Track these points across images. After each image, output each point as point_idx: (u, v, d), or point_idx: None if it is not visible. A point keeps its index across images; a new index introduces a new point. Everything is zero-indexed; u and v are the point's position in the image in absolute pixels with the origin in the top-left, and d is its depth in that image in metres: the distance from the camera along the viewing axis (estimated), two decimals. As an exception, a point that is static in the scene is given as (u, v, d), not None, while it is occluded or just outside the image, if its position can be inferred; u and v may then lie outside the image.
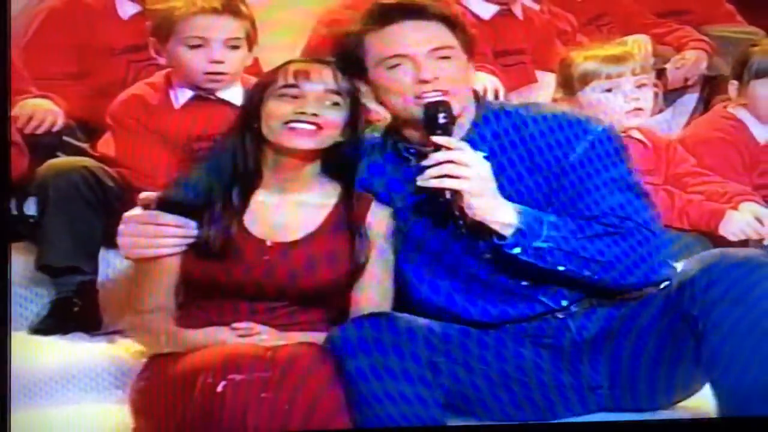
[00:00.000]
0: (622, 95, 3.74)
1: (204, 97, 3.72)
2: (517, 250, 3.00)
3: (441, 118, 3.02)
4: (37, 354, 3.44)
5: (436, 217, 3.10)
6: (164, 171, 3.62)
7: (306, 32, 4.14)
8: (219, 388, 2.90)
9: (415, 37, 3.07)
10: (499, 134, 3.15)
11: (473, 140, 3.10)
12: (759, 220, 3.69)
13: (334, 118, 3.11)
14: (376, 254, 3.15)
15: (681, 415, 3.15)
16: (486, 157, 3.06)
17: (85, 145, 3.85)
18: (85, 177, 3.60)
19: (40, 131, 3.80)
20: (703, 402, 3.12)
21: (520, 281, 3.10)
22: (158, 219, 3.10)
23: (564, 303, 3.12)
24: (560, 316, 3.12)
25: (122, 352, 3.41)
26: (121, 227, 3.13)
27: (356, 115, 3.16)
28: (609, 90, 3.73)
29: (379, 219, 3.17)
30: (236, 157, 3.14)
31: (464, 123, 3.12)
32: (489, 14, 4.30)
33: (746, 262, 3.01)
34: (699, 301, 2.98)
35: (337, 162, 3.16)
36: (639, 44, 3.94)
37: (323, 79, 3.11)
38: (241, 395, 2.91)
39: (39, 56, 4.01)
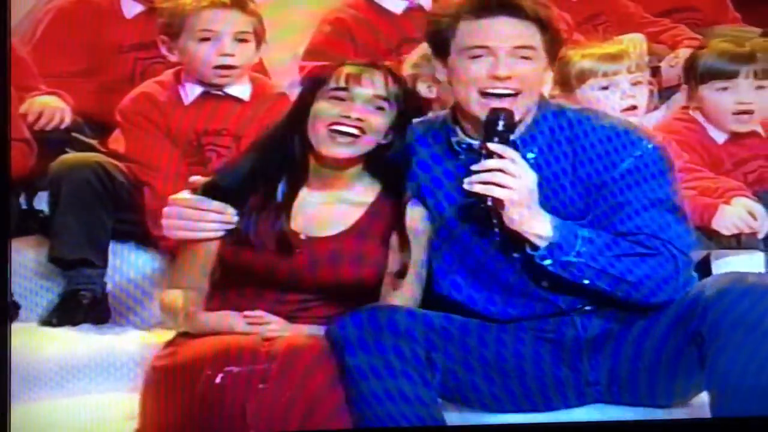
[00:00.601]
0: (619, 92, 3.75)
1: (213, 93, 3.74)
2: (547, 262, 3.02)
3: (500, 126, 3.03)
4: (47, 345, 3.47)
5: (472, 219, 3.11)
6: (174, 166, 3.67)
7: (309, 31, 4.16)
8: (218, 380, 2.93)
9: (503, 33, 3.06)
10: (552, 135, 3.17)
11: (526, 139, 3.12)
12: (751, 215, 3.65)
13: (378, 123, 3.13)
14: (416, 261, 3.17)
15: (681, 412, 3.18)
16: (535, 157, 3.10)
17: (93, 141, 3.86)
18: (96, 172, 3.62)
19: (49, 128, 3.83)
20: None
21: (540, 283, 3.12)
22: (201, 204, 3.13)
23: (577, 306, 3.13)
24: (572, 315, 3.14)
25: (131, 343, 3.46)
26: (166, 209, 3.18)
27: (402, 120, 3.17)
28: (605, 87, 3.74)
29: (416, 220, 3.18)
30: (285, 154, 3.16)
31: (526, 119, 3.13)
32: None
33: (759, 288, 3.03)
34: (710, 322, 3.00)
35: (380, 163, 3.17)
36: (634, 43, 3.96)
37: (373, 84, 3.12)
38: (239, 387, 2.94)
39: (48, 54, 4.04)
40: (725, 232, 3.65)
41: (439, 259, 3.18)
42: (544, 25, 3.09)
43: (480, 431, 3.13)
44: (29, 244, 3.74)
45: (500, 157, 3.02)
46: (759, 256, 3.72)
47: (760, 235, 3.69)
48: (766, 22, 4.37)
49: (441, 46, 3.11)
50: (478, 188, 3.01)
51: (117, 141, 3.82)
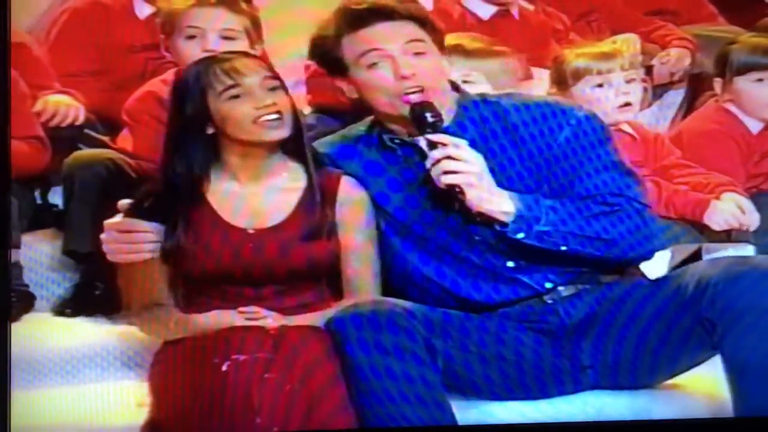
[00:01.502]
0: (613, 90, 3.76)
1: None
2: (520, 235, 3.05)
3: (429, 117, 3.06)
4: (61, 335, 3.49)
5: (445, 209, 3.12)
6: None
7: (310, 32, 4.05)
8: (224, 368, 2.95)
9: (388, 35, 3.10)
10: (480, 123, 3.18)
11: (453, 130, 3.12)
12: (741, 209, 3.69)
13: (283, 100, 3.14)
14: (359, 226, 3.18)
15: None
16: (473, 141, 3.10)
17: (105, 138, 3.86)
18: (108, 168, 3.62)
19: (63, 125, 3.85)
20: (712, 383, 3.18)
21: (505, 263, 3.13)
22: (132, 226, 3.14)
23: (548, 285, 3.15)
24: (549, 300, 3.15)
25: (142, 334, 3.37)
26: (103, 235, 3.18)
27: (287, 90, 3.18)
28: (600, 85, 3.76)
29: (350, 190, 3.19)
30: (189, 164, 3.15)
31: (451, 110, 3.16)
32: (488, 14, 4.32)
33: (764, 271, 3.04)
34: (720, 309, 3.01)
35: (295, 144, 3.18)
36: (628, 42, 3.98)
37: (254, 69, 3.14)
38: (243, 374, 2.95)
39: (63, 54, 4.06)
40: (716, 227, 3.68)
41: (398, 244, 3.20)
42: (421, 20, 3.13)
43: (480, 431, 3.14)
44: (44, 237, 3.78)
45: (444, 145, 3.04)
46: (749, 249, 3.73)
47: (750, 229, 3.72)
48: (749, 21, 4.40)
49: (335, 65, 3.16)
50: (438, 182, 3.04)
51: (125, 140, 3.82)
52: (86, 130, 3.89)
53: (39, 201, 3.86)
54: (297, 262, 3.14)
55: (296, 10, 4.15)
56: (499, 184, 3.08)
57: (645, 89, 3.89)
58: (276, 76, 3.15)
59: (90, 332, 3.53)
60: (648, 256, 3.16)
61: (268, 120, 3.11)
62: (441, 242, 3.14)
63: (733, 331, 3.00)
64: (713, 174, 3.77)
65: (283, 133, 3.13)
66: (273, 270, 3.13)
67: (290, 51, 3.91)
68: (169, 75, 3.75)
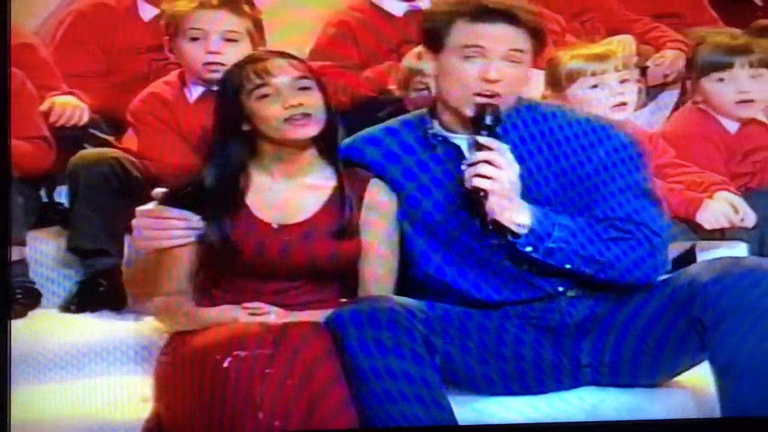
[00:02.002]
0: (607, 91, 3.74)
1: (215, 91, 3.61)
2: (529, 249, 3.07)
3: (489, 120, 3.08)
4: (67, 330, 3.51)
5: (468, 209, 3.13)
6: (182, 161, 3.67)
7: (315, 32, 4.19)
8: (225, 364, 2.97)
9: (498, 37, 3.09)
10: (522, 128, 3.19)
11: (504, 130, 3.13)
12: (733, 208, 3.68)
13: (313, 100, 3.16)
14: (382, 233, 3.20)
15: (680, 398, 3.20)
16: (509, 149, 3.10)
17: (110, 138, 3.88)
18: (113, 167, 3.64)
19: (68, 125, 3.85)
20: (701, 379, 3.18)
21: (521, 267, 3.14)
22: (165, 213, 3.17)
23: (560, 289, 3.16)
24: (556, 301, 3.17)
25: (146, 328, 3.44)
26: (134, 221, 3.22)
27: (324, 90, 3.20)
28: (595, 86, 3.74)
29: (383, 198, 3.21)
30: (224, 162, 3.18)
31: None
32: None
33: (756, 271, 3.06)
34: (710, 309, 3.03)
35: (327, 143, 3.21)
36: (623, 43, 3.97)
37: (283, 69, 3.15)
38: (245, 370, 2.97)
39: (69, 55, 4.07)
40: (707, 226, 3.68)
41: (422, 245, 3.20)
42: (535, 33, 3.12)
43: (480, 431, 3.13)
44: (50, 234, 3.79)
45: (489, 149, 3.05)
46: (742, 247, 3.75)
47: (749, 227, 3.71)
48: (744, 23, 4.34)
49: (435, 42, 3.15)
50: (467, 182, 3.05)
51: (129, 140, 3.85)
52: (91, 130, 3.90)
53: (45, 199, 3.87)
54: (318, 259, 3.16)
55: (298, 11, 4.21)
56: (524, 190, 3.10)
57: (639, 90, 3.87)
58: (308, 76, 3.16)
59: (94, 328, 3.54)
60: (647, 283, 3.15)
61: (295, 119, 3.13)
62: (463, 245, 3.17)
63: (721, 332, 3.03)
64: (707, 173, 3.77)
65: (309, 131, 3.14)
66: (293, 265, 3.16)
67: (292, 50, 3.81)
68: (173, 76, 3.81)
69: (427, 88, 3.64)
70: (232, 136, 3.18)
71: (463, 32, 3.12)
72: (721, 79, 3.89)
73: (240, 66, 3.19)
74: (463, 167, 3.08)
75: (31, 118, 3.78)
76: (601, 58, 3.78)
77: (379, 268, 3.20)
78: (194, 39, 3.72)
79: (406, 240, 3.21)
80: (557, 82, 3.75)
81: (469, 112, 3.11)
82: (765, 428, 3.06)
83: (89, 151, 3.74)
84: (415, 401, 2.98)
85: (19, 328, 3.45)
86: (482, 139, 3.07)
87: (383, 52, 4.11)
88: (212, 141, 3.23)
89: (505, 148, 3.07)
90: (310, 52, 4.10)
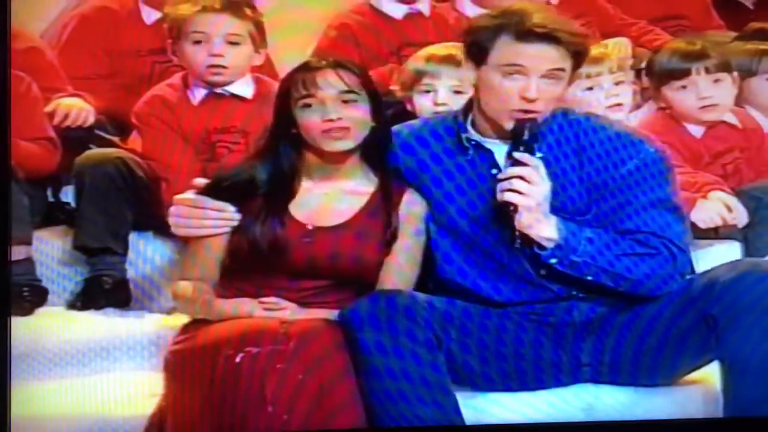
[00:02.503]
0: (603, 92, 3.75)
1: (217, 93, 3.77)
2: (553, 261, 3.11)
3: (526, 135, 3.11)
4: (73, 327, 3.54)
5: (498, 220, 3.16)
6: (187, 162, 3.71)
7: (317, 33, 4.19)
8: (237, 359, 2.99)
9: (540, 57, 3.10)
10: (561, 132, 3.21)
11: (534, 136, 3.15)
12: (727, 207, 3.69)
13: (358, 113, 3.19)
14: (404, 244, 3.22)
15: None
16: (542, 155, 3.14)
17: (115, 138, 3.90)
18: (118, 167, 3.66)
19: (73, 126, 3.87)
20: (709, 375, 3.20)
21: (540, 273, 3.17)
22: (202, 203, 3.20)
23: (573, 292, 3.19)
24: (566, 302, 3.19)
25: (150, 325, 3.51)
26: (172, 208, 3.24)
27: (377, 101, 3.23)
28: (590, 88, 3.75)
29: (413, 205, 3.24)
30: (276, 161, 3.22)
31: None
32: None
33: (764, 276, 3.08)
34: (724, 306, 3.06)
35: (373, 151, 3.24)
36: (618, 46, 3.97)
37: (330, 83, 3.18)
38: (257, 366, 2.98)
39: (73, 58, 4.08)
40: (702, 225, 3.68)
41: (446, 247, 3.23)
42: (576, 54, 3.14)
43: (480, 431, 3.15)
44: (56, 234, 3.79)
45: (524, 165, 3.08)
46: (735, 245, 3.77)
47: (739, 226, 3.73)
48: (737, 26, 4.40)
49: (478, 55, 3.15)
50: (500, 194, 3.09)
51: (135, 141, 3.87)
52: (96, 131, 3.92)
53: (51, 199, 3.88)
54: (349, 263, 3.19)
55: (300, 13, 4.22)
56: (554, 198, 3.13)
57: (634, 92, 3.89)
58: (354, 90, 3.18)
59: (99, 325, 3.56)
60: (663, 294, 3.17)
61: (333, 132, 3.17)
62: (485, 249, 3.20)
63: (733, 328, 3.06)
64: (700, 173, 3.79)
65: (346, 144, 3.18)
66: (320, 267, 3.18)
67: (293, 52, 3.94)
68: (176, 79, 3.83)
69: (432, 91, 3.69)
70: (284, 138, 3.21)
71: (506, 50, 3.12)
72: (684, 87, 3.88)
73: (294, 72, 3.23)
74: (499, 177, 3.11)
75: (37, 119, 3.80)
76: (596, 60, 3.75)
77: (398, 279, 3.22)
78: (197, 42, 3.73)
79: (431, 241, 3.24)
80: (554, 84, 3.75)
81: (508, 125, 3.13)
82: (766, 428, 3.10)
83: (95, 152, 3.76)
84: (423, 399, 3.01)
85: (26, 325, 3.50)
86: (518, 155, 3.10)
87: (384, 54, 4.13)
88: (266, 140, 3.26)
89: (539, 164, 3.11)
90: (312, 53, 4.08)
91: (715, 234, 3.74)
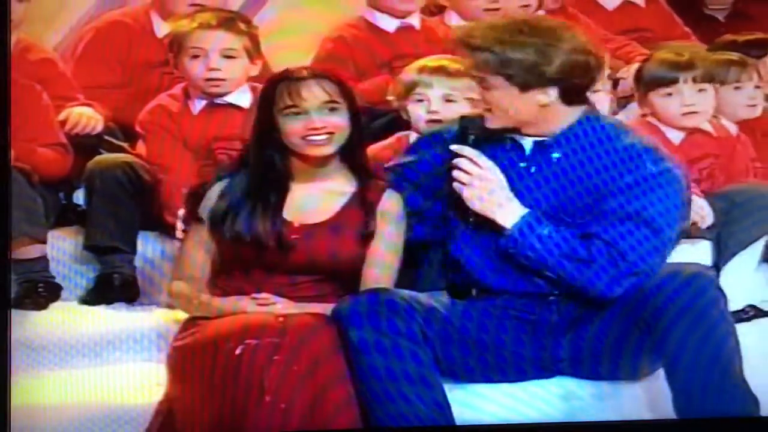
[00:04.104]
0: None
1: (216, 103, 3.80)
2: (511, 251, 3.19)
3: (470, 131, 3.24)
4: (85, 321, 3.59)
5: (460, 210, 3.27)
6: (187, 168, 3.76)
7: (315, 46, 4.21)
8: (237, 351, 3.04)
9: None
10: (583, 137, 3.23)
11: (552, 142, 3.22)
12: (695, 209, 3.66)
13: (338, 120, 3.23)
14: (385, 237, 3.27)
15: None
16: (559, 158, 3.21)
17: (124, 144, 3.94)
18: (126, 171, 3.70)
19: (82, 134, 3.91)
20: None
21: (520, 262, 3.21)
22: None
23: (556, 291, 3.22)
24: (551, 297, 3.23)
25: (158, 319, 3.54)
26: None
27: (355, 108, 3.27)
28: None
29: (391, 203, 3.29)
30: (266, 166, 3.26)
31: (562, 125, 3.23)
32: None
33: (693, 278, 3.12)
34: (650, 310, 3.09)
35: (352, 154, 3.28)
36: None
37: (316, 94, 3.23)
38: (257, 358, 3.04)
39: (87, 68, 4.12)
40: None
41: (459, 228, 3.29)
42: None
43: (479, 431, 3.19)
44: (69, 233, 3.83)
45: (461, 156, 3.20)
46: (705, 244, 3.82)
47: (703, 227, 3.79)
48: (711, 39, 4.40)
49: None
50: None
51: (142, 147, 3.89)
52: (107, 137, 3.95)
53: (63, 201, 3.91)
54: (334, 258, 3.24)
55: (298, 26, 4.29)
56: (554, 207, 3.20)
57: (611, 100, 3.96)
58: (337, 100, 3.23)
59: (110, 318, 3.60)
60: (604, 298, 3.19)
61: (315, 139, 3.23)
62: (490, 235, 3.24)
63: (664, 330, 3.10)
64: None
65: (327, 150, 3.24)
66: (308, 262, 3.23)
67: (294, 62, 3.84)
68: (177, 90, 3.87)
69: (425, 100, 3.73)
70: (269, 143, 3.25)
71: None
72: (669, 94, 3.92)
73: (276, 82, 3.27)
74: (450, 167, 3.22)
75: (50, 126, 3.84)
76: None
77: (381, 271, 3.26)
78: (195, 56, 3.77)
79: (451, 221, 3.30)
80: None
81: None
82: (762, 429, 3.16)
83: (104, 157, 3.81)
84: (409, 394, 3.08)
85: (40, 318, 3.57)
86: (455, 147, 3.23)
87: (376, 65, 4.16)
88: (253, 146, 3.29)
89: (474, 153, 3.20)
90: (311, 63, 4.05)
91: (686, 234, 3.60)
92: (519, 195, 3.23)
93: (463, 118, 3.31)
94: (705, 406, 3.11)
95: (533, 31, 3.17)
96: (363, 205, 3.29)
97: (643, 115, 4.02)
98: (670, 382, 3.15)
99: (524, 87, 3.18)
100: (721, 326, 3.13)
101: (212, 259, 3.29)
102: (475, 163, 3.20)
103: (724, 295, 3.17)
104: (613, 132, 3.26)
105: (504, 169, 3.24)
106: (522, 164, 3.26)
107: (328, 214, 3.29)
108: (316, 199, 3.30)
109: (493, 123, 3.23)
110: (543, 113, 3.22)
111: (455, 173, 3.21)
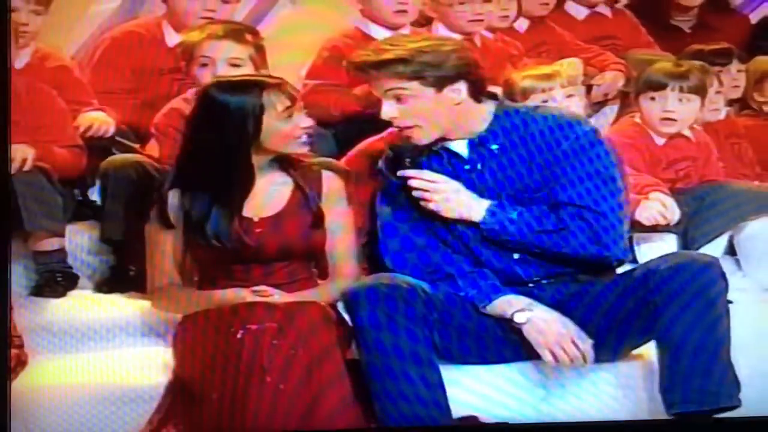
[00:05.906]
0: (555, 104, 3.82)
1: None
2: (490, 237, 3.29)
3: (405, 156, 3.33)
4: (101, 308, 3.64)
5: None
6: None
7: (312, 55, 4.27)
8: (239, 335, 3.14)
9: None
10: (510, 130, 3.31)
11: (484, 136, 3.30)
12: (664, 206, 3.79)
13: (310, 122, 3.41)
14: (331, 218, 3.39)
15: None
16: (498, 147, 3.29)
17: (136, 145, 4.00)
18: (137, 170, 3.75)
19: (95, 136, 3.97)
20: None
21: (512, 255, 3.31)
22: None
23: (536, 278, 3.31)
24: (530, 285, 3.31)
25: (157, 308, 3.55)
26: None
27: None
28: (545, 101, 3.85)
29: (329, 184, 3.43)
30: (239, 169, 3.35)
31: (483, 123, 3.32)
32: None
33: (707, 267, 3.21)
34: (664, 293, 3.16)
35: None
36: (570, 64, 4.05)
37: (277, 99, 3.34)
38: (256, 341, 3.13)
39: (103, 75, 4.18)
40: (646, 222, 3.81)
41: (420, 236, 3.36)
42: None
43: (479, 431, 3.24)
44: (85, 227, 3.89)
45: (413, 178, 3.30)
46: (672, 237, 3.94)
47: (671, 223, 3.86)
48: (678, 48, 4.51)
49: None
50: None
51: (152, 148, 3.95)
52: (119, 138, 4.00)
53: (79, 198, 3.96)
54: (296, 242, 3.34)
55: (297, 36, 4.36)
56: (512, 185, 3.29)
57: (585, 105, 4.04)
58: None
59: (124, 306, 3.65)
60: (600, 258, 3.28)
61: (301, 137, 3.36)
62: (457, 235, 3.35)
63: (671, 313, 3.17)
64: (642, 176, 3.90)
65: (308, 147, 3.39)
66: (272, 251, 3.32)
67: (292, 70, 4.06)
68: (190, 94, 3.86)
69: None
70: (245, 150, 3.33)
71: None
72: (653, 98, 4.01)
73: (261, 89, 3.34)
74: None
75: (67, 129, 3.89)
76: (548, 77, 3.93)
77: (340, 244, 3.40)
78: (204, 65, 3.81)
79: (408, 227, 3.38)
80: (513, 98, 3.85)
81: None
82: (761, 429, 3.25)
83: (117, 157, 3.87)
84: (421, 367, 3.15)
85: (59, 305, 3.64)
86: (404, 172, 3.34)
87: None
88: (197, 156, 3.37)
89: (424, 173, 3.30)
90: (307, 72, 4.22)
91: (654, 228, 3.86)
92: (479, 195, 3.33)
93: (391, 146, 3.41)
94: (693, 384, 3.18)
95: (420, 37, 3.37)
96: (303, 189, 3.39)
97: (631, 115, 4.12)
98: (668, 361, 3.21)
99: (437, 85, 3.27)
100: (724, 313, 3.22)
101: (180, 262, 3.38)
102: (426, 180, 3.30)
103: (727, 285, 3.26)
104: (533, 113, 3.35)
105: (452, 179, 3.34)
106: (466, 167, 3.34)
107: (281, 204, 3.38)
108: (266, 193, 3.39)
109: (421, 138, 3.31)
110: (461, 113, 3.30)
111: (414, 193, 3.30)
